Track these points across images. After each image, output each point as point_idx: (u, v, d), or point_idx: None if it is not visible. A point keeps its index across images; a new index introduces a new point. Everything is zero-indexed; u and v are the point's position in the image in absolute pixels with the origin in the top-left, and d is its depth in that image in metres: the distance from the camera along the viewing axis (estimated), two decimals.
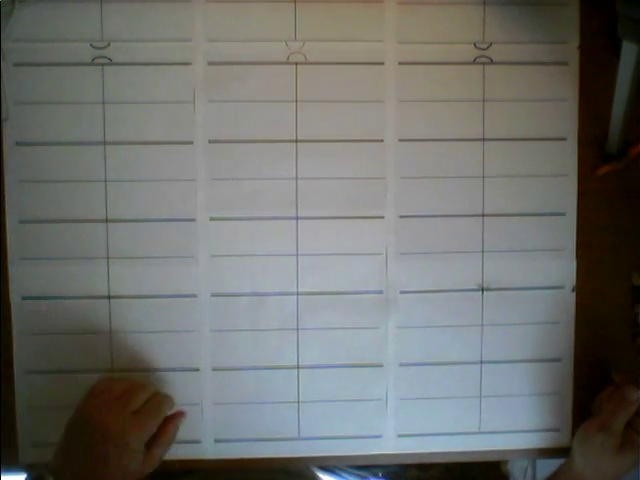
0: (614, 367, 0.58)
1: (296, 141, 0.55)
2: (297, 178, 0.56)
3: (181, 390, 0.56)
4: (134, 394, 0.51)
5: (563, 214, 0.57)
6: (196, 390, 0.56)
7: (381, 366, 0.57)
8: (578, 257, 0.58)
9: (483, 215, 0.57)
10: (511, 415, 0.58)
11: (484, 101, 0.56)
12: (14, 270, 0.55)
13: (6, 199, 0.54)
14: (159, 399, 0.53)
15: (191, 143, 0.55)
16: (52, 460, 0.50)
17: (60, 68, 0.54)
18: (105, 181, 0.55)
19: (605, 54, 0.56)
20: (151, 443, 0.51)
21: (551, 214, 0.57)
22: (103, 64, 0.54)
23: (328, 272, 0.56)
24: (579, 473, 0.55)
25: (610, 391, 0.55)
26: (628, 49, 0.46)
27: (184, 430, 0.56)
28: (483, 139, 0.56)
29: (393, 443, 0.58)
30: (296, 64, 0.55)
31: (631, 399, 0.52)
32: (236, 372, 0.56)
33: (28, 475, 0.48)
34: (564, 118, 0.57)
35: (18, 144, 0.54)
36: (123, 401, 0.50)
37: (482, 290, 0.57)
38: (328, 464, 0.71)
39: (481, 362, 0.58)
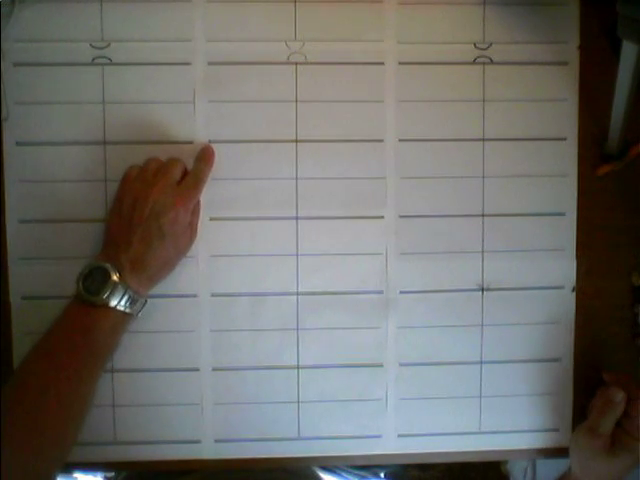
0: (612, 368, 0.58)
1: (296, 141, 0.55)
2: (297, 178, 0.56)
3: (181, 390, 0.56)
4: (171, 167, 0.51)
5: (563, 214, 0.57)
6: (196, 390, 0.56)
7: (381, 366, 0.57)
8: (578, 257, 0.58)
9: (483, 215, 0.57)
10: (511, 415, 0.58)
11: (484, 101, 0.56)
12: (14, 270, 0.55)
13: (6, 199, 0.54)
14: (198, 169, 0.53)
15: (191, 143, 0.55)
16: (98, 255, 0.50)
17: (60, 68, 0.54)
18: (105, 181, 0.55)
19: (605, 54, 0.56)
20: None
21: (551, 214, 0.57)
22: (103, 64, 0.54)
23: (328, 272, 0.56)
24: (577, 477, 0.55)
25: (600, 392, 0.55)
26: (628, 49, 0.46)
27: (184, 430, 0.56)
28: (483, 139, 0.56)
29: (393, 443, 0.58)
30: (296, 64, 0.55)
31: (616, 400, 0.52)
32: (236, 372, 0.56)
33: (83, 270, 0.48)
34: (564, 118, 0.57)
35: (18, 144, 0.54)
36: (162, 174, 0.51)
37: (482, 290, 0.57)
38: (328, 464, 0.71)
39: (481, 362, 0.58)
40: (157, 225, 0.49)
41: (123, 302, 0.48)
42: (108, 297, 0.47)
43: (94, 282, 0.48)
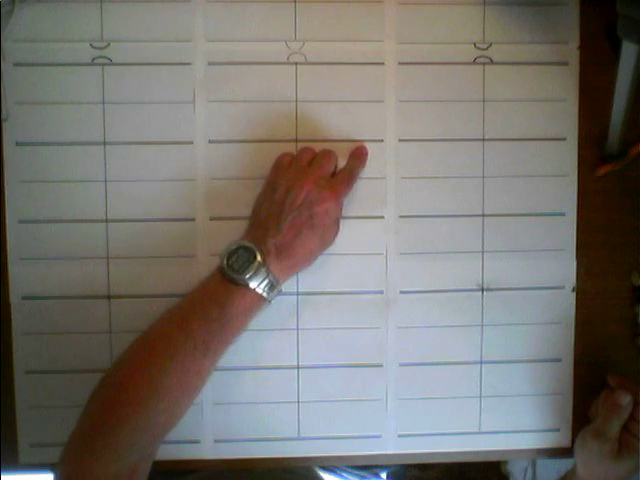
0: (612, 368, 0.58)
1: (296, 141, 0.55)
2: None
3: None
4: (326, 159, 0.52)
5: (563, 214, 0.57)
6: None
7: (381, 366, 0.57)
8: (578, 257, 0.58)
9: (483, 215, 0.57)
10: (511, 415, 0.58)
11: (484, 101, 0.56)
12: (14, 270, 0.55)
13: (6, 199, 0.54)
14: (352, 166, 0.54)
15: (191, 143, 0.55)
16: (244, 236, 0.51)
17: (60, 68, 0.54)
18: (105, 181, 0.55)
19: (605, 54, 0.56)
20: None
21: (551, 214, 0.57)
22: (103, 64, 0.54)
23: (328, 272, 0.56)
24: (581, 479, 0.55)
25: (604, 395, 0.55)
26: (628, 49, 0.46)
27: (184, 430, 0.56)
28: (483, 139, 0.56)
29: (393, 443, 0.58)
30: (296, 64, 0.55)
31: (622, 404, 0.52)
32: (236, 372, 0.56)
33: (229, 247, 0.48)
34: (564, 118, 0.57)
35: (18, 144, 0.54)
36: (318, 165, 0.51)
37: (482, 290, 0.57)
38: (328, 464, 0.71)
39: (481, 362, 0.58)
40: (309, 215, 0.49)
41: (262, 285, 0.48)
42: (250, 278, 0.47)
43: (238, 260, 0.48)
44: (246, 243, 0.49)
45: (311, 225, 0.49)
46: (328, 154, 0.53)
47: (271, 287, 0.49)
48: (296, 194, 0.49)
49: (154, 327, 0.48)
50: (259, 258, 0.48)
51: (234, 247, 0.48)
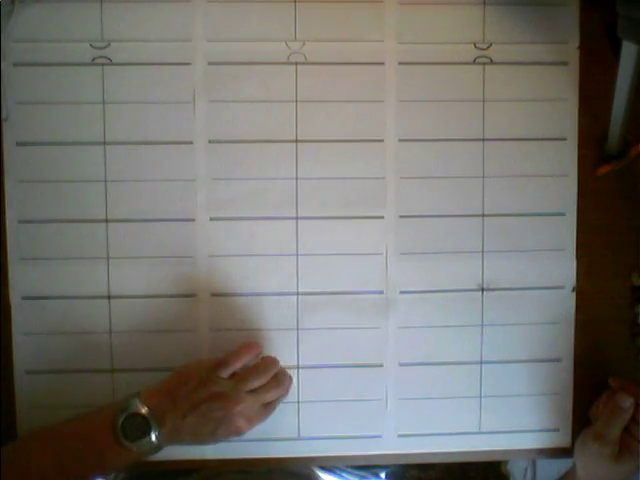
0: (612, 368, 0.58)
1: (296, 141, 0.55)
2: (297, 178, 0.56)
3: None
4: (272, 391, 0.52)
5: (563, 214, 0.57)
6: None
7: (381, 366, 0.57)
8: (578, 257, 0.58)
9: (483, 215, 0.57)
10: (511, 415, 0.58)
11: (484, 101, 0.56)
12: (14, 270, 0.55)
13: (6, 199, 0.54)
14: (279, 397, 0.54)
15: (191, 143, 0.55)
16: (153, 393, 0.50)
17: (60, 68, 0.54)
18: (105, 181, 0.55)
19: (605, 54, 0.56)
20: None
21: (551, 214, 0.57)
22: (103, 64, 0.54)
23: (328, 272, 0.56)
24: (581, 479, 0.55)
25: (606, 397, 0.55)
26: (628, 49, 0.46)
27: None
28: (483, 139, 0.56)
29: (393, 443, 0.58)
30: (296, 64, 0.55)
31: (624, 407, 0.52)
32: None
33: (129, 409, 0.48)
34: (564, 118, 0.57)
35: (18, 144, 0.54)
36: (256, 394, 0.51)
37: (482, 290, 0.57)
38: (328, 464, 0.71)
39: (481, 362, 0.58)
40: (214, 427, 0.49)
41: (147, 450, 0.48)
42: (139, 448, 0.48)
43: (133, 426, 0.48)
44: (147, 413, 0.48)
45: (210, 435, 0.49)
46: (281, 386, 0.53)
47: (155, 451, 0.49)
48: (217, 407, 0.49)
49: (31, 451, 0.48)
50: (154, 433, 0.48)
51: (135, 411, 0.48)
